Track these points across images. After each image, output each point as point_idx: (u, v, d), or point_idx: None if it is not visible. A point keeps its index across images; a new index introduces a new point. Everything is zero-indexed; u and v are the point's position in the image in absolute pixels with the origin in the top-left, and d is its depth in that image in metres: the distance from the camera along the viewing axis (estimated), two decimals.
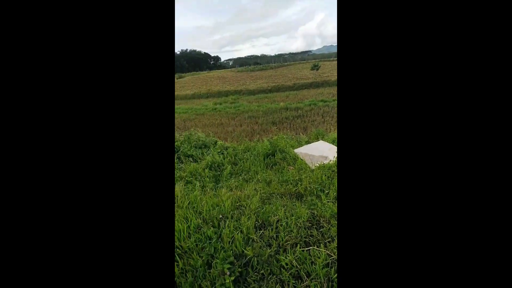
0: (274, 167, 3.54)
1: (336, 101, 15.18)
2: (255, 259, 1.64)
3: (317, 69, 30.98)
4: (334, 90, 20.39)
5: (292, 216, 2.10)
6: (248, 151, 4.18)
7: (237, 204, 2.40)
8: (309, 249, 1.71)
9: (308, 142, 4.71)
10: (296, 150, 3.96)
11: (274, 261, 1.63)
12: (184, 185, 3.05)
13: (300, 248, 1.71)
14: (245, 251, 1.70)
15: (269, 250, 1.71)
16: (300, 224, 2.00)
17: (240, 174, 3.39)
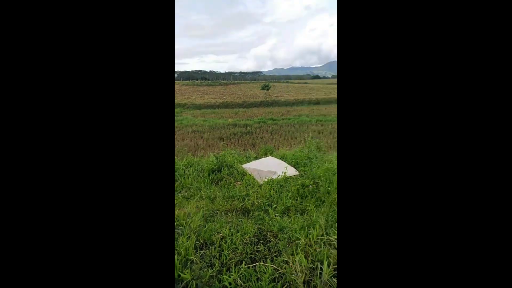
0: (220, 182, 3.48)
1: (284, 120, 16.30)
2: (194, 282, 1.51)
3: (268, 89, 33.11)
4: (283, 110, 21.96)
5: (238, 232, 2.06)
6: (190, 166, 4.01)
7: (175, 224, 2.23)
8: (255, 265, 1.68)
9: (256, 158, 4.84)
10: (244, 166, 4.00)
11: (216, 282, 1.54)
12: None
13: (245, 265, 1.67)
14: (182, 275, 1.55)
15: (210, 271, 1.61)
16: (246, 240, 1.97)
17: (180, 191, 3.19)
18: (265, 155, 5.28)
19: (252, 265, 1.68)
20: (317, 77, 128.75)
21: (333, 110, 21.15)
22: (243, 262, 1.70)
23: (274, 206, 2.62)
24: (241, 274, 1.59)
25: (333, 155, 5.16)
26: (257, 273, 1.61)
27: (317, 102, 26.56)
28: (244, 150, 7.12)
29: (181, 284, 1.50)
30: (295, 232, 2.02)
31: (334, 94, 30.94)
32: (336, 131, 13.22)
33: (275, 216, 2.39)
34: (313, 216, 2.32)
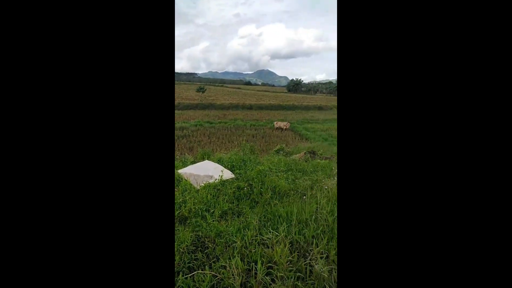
0: None
1: (221, 124, 16.22)
2: None
3: (203, 92, 32.23)
4: (219, 113, 21.81)
5: (174, 242, 1.92)
6: None
7: None
8: (193, 275, 1.61)
9: (194, 162, 4.65)
10: (180, 171, 3.78)
11: None
12: None
13: (183, 275, 1.58)
14: None
15: None
16: (183, 249, 1.86)
17: None
18: (203, 159, 5.13)
19: (190, 275, 1.60)
20: (249, 83, 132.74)
21: (264, 115, 22.29)
22: (181, 273, 1.60)
23: (212, 211, 2.57)
24: (178, 286, 1.49)
25: (264, 158, 5.43)
26: (195, 282, 1.54)
27: (250, 107, 27.47)
28: (181, 154, 6.72)
29: None
30: (232, 235, 2.02)
31: (264, 101, 32.65)
32: (267, 135, 13.89)
33: (213, 221, 2.34)
34: (248, 217, 2.38)
